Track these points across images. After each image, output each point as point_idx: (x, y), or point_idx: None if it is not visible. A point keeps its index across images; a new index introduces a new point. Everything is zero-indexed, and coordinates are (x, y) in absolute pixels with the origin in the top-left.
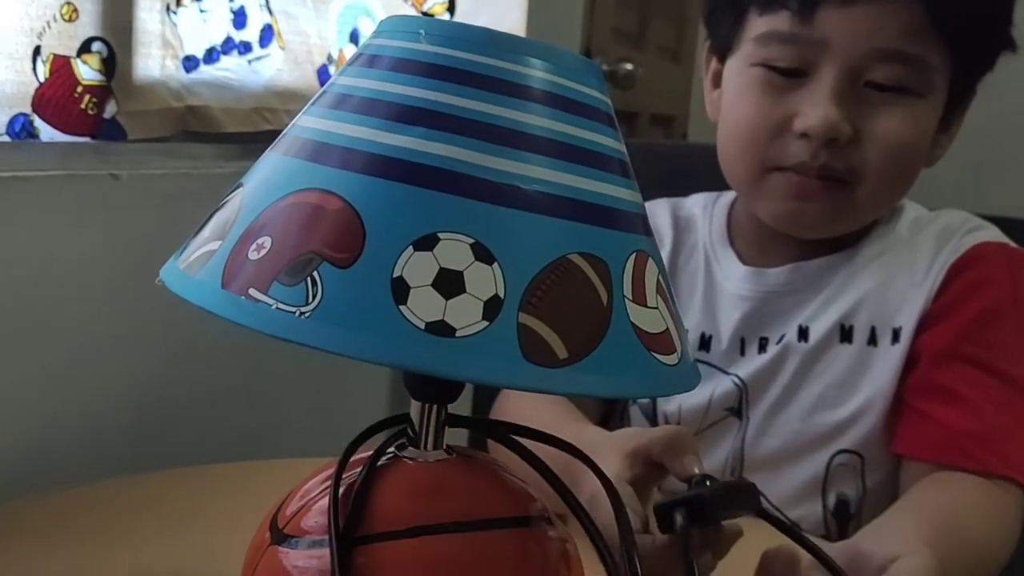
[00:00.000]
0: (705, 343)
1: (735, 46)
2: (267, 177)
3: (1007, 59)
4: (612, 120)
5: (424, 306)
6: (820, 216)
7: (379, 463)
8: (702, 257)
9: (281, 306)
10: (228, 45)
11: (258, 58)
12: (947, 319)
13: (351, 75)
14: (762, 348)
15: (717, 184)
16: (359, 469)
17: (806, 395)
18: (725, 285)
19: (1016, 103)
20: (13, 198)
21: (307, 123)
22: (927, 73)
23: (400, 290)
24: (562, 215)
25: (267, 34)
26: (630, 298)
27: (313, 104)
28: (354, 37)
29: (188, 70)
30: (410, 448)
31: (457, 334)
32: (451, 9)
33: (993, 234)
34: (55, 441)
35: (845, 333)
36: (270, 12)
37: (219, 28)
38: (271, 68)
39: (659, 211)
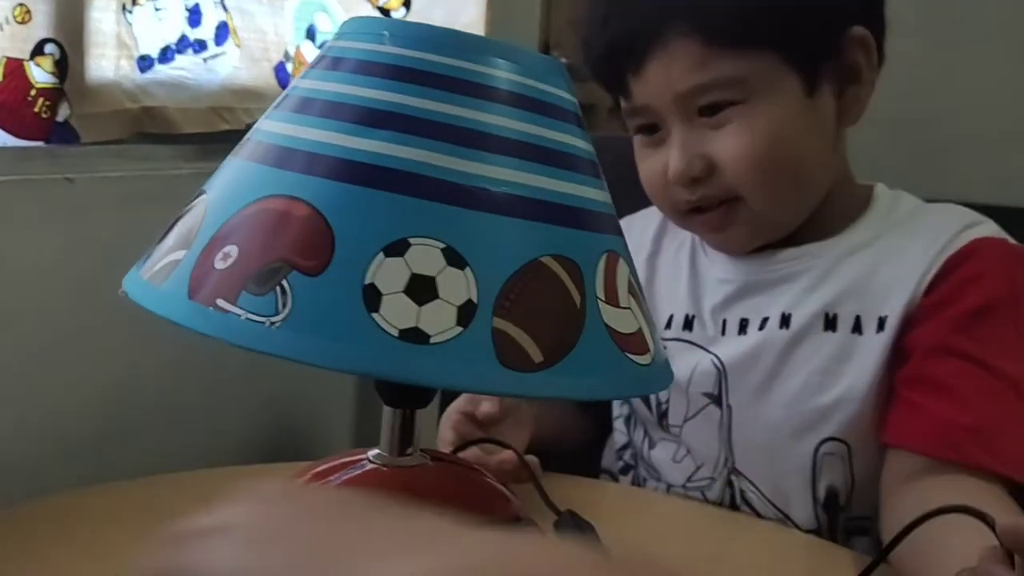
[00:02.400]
0: (688, 323)
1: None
2: (231, 183)
3: (950, 44)
4: (579, 120)
5: (397, 313)
6: (742, 237)
7: (352, 470)
8: (689, 245)
9: (250, 316)
10: (183, 43)
11: (214, 56)
12: (942, 314)
13: (314, 78)
14: (742, 330)
15: None
16: (333, 476)
17: (789, 382)
18: (710, 271)
19: (956, 85)
20: None
21: (270, 127)
22: (742, 84)
23: (372, 297)
24: (532, 217)
25: (222, 31)
26: (603, 299)
27: (276, 108)
28: (311, 33)
29: (143, 70)
30: (382, 454)
31: (431, 340)
32: (407, 4)
33: (991, 229)
34: (18, 450)
35: (829, 322)
36: (225, 9)
37: (174, 27)
38: (227, 66)
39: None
